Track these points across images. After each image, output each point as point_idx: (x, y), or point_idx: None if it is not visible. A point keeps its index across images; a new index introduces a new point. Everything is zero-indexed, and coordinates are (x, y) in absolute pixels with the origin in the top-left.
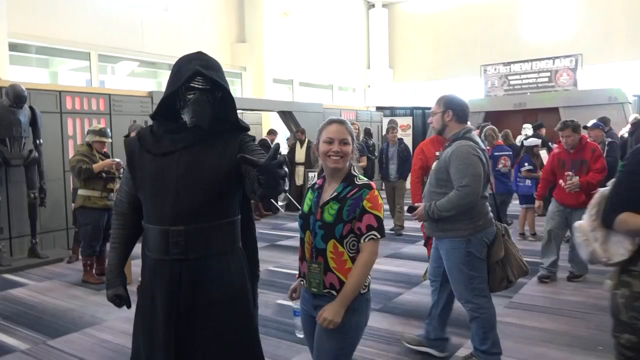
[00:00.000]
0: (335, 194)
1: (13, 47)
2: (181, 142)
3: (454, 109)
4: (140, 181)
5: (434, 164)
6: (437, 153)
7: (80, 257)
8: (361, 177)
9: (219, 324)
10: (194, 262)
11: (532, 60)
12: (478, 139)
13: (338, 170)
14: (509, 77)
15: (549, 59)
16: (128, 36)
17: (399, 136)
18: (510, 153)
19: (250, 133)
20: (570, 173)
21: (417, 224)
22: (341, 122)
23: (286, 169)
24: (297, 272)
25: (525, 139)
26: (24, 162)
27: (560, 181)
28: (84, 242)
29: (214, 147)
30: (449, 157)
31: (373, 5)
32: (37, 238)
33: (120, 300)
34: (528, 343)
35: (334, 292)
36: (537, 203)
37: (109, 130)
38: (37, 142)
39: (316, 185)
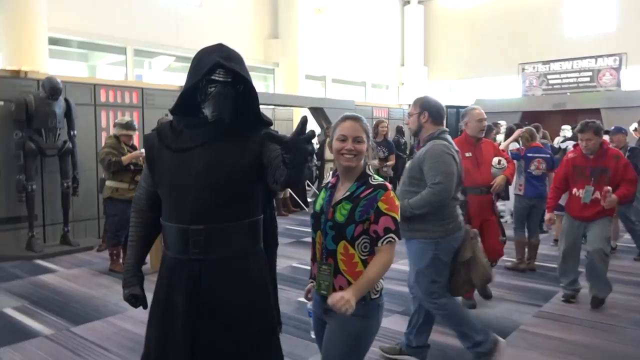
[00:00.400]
0: (348, 193)
1: (54, 41)
2: (201, 138)
3: (430, 110)
4: (159, 178)
5: (408, 162)
6: (468, 154)
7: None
8: (376, 176)
9: (238, 327)
10: (213, 263)
11: (573, 59)
12: (452, 141)
13: (351, 169)
14: (548, 76)
15: (591, 57)
16: (163, 31)
17: None
18: (547, 156)
19: (281, 129)
20: (590, 186)
21: None
22: (356, 119)
23: (314, 145)
24: None
25: (563, 141)
26: (58, 153)
27: (575, 190)
28: (110, 232)
29: (234, 143)
30: (423, 156)
31: (408, 2)
32: (69, 226)
33: (137, 300)
34: (555, 356)
35: None
36: (547, 216)
37: (135, 122)
38: (72, 133)
39: (329, 184)
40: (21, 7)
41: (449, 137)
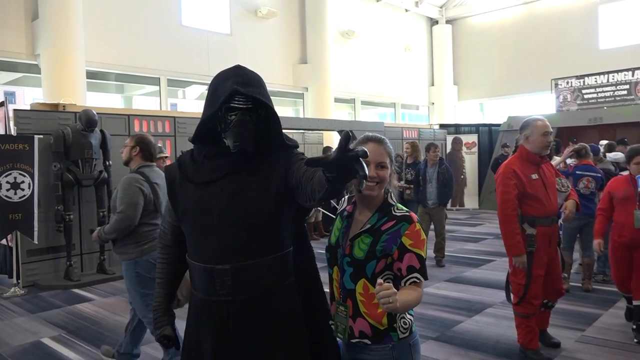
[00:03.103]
0: (369, 225)
1: (92, 75)
2: (223, 170)
3: (142, 147)
4: (182, 213)
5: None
6: (534, 176)
7: None
8: (399, 206)
9: None
10: (242, 304)
11: (608, 73)
12: (152, 175)
13: (372, 198)
14: (583, 91)
15: (627, 70)
16: (195, 61)
17: (461, 154)
18: (598, 175)
19: (311, 153)
20: None
21: (481, 247)
22: (379, 141)
23: (364, 166)
24: None
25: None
26: (94, 183)
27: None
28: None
29: (259, 173)
30: (118, 187)
31: (436, 22)
32: (105, 255)
33: (169, 340)
34: None
35: (366, 342)
36: (595, 243)
37: (163, 147)
38: (107, 163)
39: (345, 213)
40: (60, 43)
41: (149, 171)
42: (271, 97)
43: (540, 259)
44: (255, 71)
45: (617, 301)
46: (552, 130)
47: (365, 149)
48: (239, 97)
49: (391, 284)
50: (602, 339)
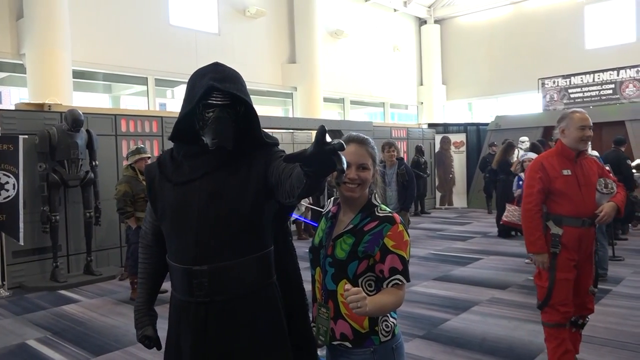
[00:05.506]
0: (351, 226)
1: (79, 74)
2: (201, 169)
3: None
4: (161, 213)
5: None
6: (566, 172)
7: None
8: (383, 207)
9: None
10: (220, 305)
11: (594, 72)
12: None
13: (355, 199)
14: (569, 90)
15: (612, 69)
16: (184, 60)
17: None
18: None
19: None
20: None
21: (469, 245)
22: (361, 142)
23: (342, 159)
24: None
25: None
26: (80, 183)
27: None
28: (133, 259)
29: (238, 171)
30: None
31: (425, 22)
32: (92, 256)
33: (150, 341)
34: None
35: (347, 344)
36: None
37: (145, 147)
38: (93, 163)
39: (330, 213)
40: (46, 42)
41: None
42: (260, 97)
43: (566, 262)
44: (242, 70)
45: (602, 298)
46: (591, 124)
47: (342, 142)
48: (216, 94)
49: (360, 288)
50: (586, 335)
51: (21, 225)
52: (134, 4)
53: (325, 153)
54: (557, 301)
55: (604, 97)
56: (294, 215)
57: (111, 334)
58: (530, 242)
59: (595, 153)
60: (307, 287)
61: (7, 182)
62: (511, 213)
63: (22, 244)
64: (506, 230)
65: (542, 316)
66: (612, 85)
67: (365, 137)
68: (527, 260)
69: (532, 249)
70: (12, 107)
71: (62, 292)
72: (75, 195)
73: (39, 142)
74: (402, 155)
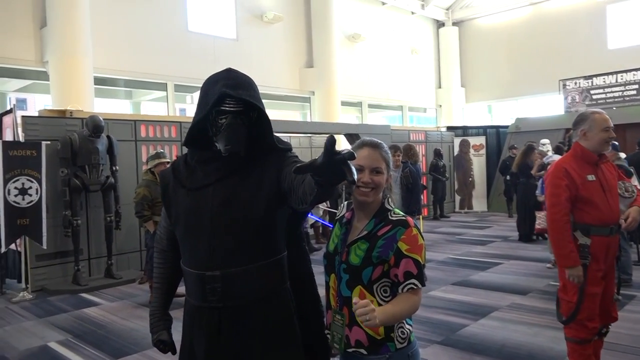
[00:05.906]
0: (365, 232)
1: (100, 81)
2: (214, 174)
3: None
4: (175, 219)
5: None
6: (590, 177)
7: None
8: (397, 211)
9: None
10: (233, 310)
11: (617, 72)
12: None
13: (368, 204)
14: (591, 91)
15: (636, 70)
16: (202, 66)
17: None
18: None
19: (317, 156)
20: None
21: (489, 249)
22: (375, 146)
23: (352, 168)
24: None
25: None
26: (101, 188)
27: None
28: (152, 263)
29: (251, 177)
30: None
31: (443, 24)
32: (113, 259)
33: (165, 345)
34: None
35: (362, 351)
36: None
37: (165, 152)
38: (114, 168)
39: (344, 219)
40: (68, 50)
41: None
42: (278, 102)
43: (595, 275)
44: (260, 75)
45: (626, 304)
46: (613, 125)
47: (352, 151)
48: (229, 100)
49: (368, 300)
50: (611, 342)
51: (44, 229)
52: (153, 12)
53: (335, 163)
54: (585, 316)
55: (627, 98)
56: (313, 217)
57: (130, 337)
58: (563, 256)
59: (624, 155)
60: (321, 292)
61: (31, 187)
62: (542, 220)
63: (45, 247)
64: (527, 235)
65: (566, 331)
66: (636, 86)
67: (379, 141)
68: (548, 265)
69: (565, 262)
70: (36, 114)
71: (84, 295)
72: (96, 199)
73: (61, 147)
74: (420, 159)
